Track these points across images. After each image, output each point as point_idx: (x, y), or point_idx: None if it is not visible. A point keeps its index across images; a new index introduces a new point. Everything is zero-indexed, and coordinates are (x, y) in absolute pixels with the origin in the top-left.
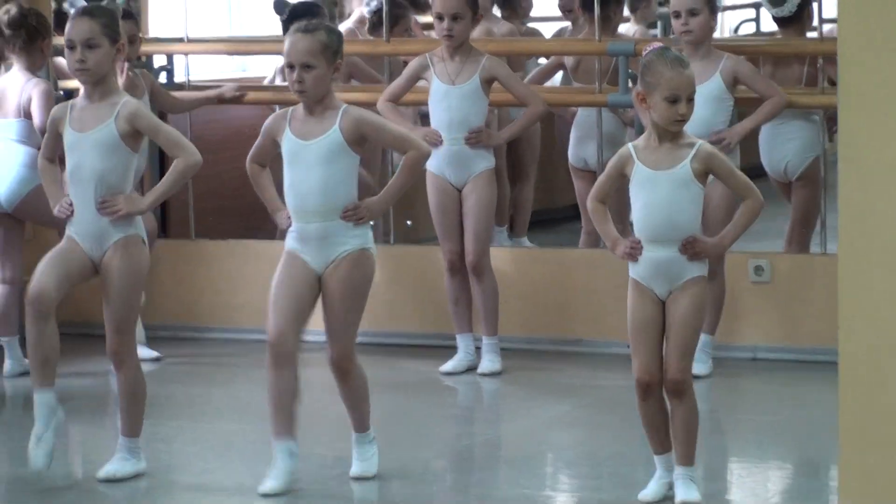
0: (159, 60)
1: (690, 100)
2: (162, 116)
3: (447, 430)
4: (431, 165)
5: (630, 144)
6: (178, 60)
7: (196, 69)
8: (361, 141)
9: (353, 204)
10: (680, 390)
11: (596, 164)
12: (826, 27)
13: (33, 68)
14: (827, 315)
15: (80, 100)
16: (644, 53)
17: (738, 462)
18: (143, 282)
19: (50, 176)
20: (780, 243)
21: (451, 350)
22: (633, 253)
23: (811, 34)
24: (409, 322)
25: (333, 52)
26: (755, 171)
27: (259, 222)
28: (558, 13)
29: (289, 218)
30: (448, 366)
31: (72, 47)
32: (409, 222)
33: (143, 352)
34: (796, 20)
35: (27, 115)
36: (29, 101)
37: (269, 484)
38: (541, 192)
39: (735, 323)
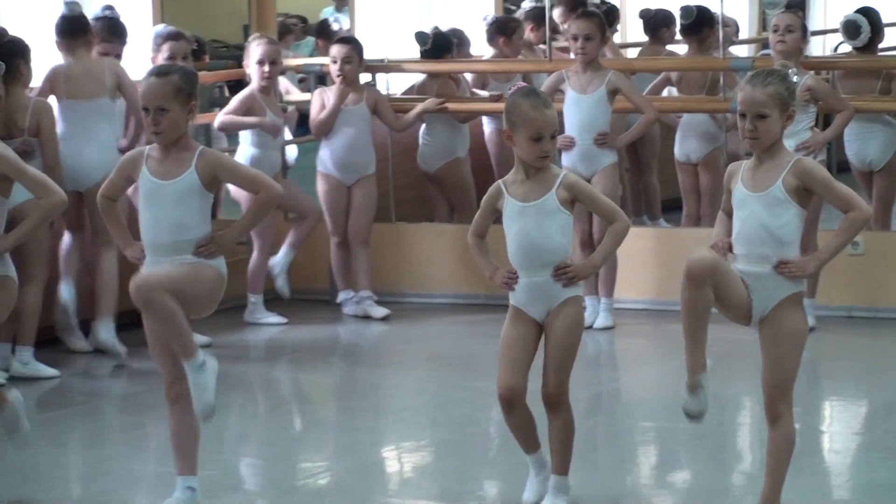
0: (364, 77)
1: (553, 137)
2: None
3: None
4: (566, 161)
5: (500, 181)
6: (380, 77)
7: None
8: (215, 182)
9: (205, 239)
10: (556, 403)
11: (697, 159)
12: None
13: None
14: None
15: None
16: (508, 94)
17: (836, 400)
18: (4, 317)
19: None
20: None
21: None
22: (510, 282)
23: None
24: None
25: (187, 94)
26: (841, 166)
27: (437, 209)
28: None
29: (142, 251)
30: None
31: None
32: None
33: (377, 311)
34: (869, 47)
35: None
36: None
37: None
38: (672, 184)
39: (834, 288)
